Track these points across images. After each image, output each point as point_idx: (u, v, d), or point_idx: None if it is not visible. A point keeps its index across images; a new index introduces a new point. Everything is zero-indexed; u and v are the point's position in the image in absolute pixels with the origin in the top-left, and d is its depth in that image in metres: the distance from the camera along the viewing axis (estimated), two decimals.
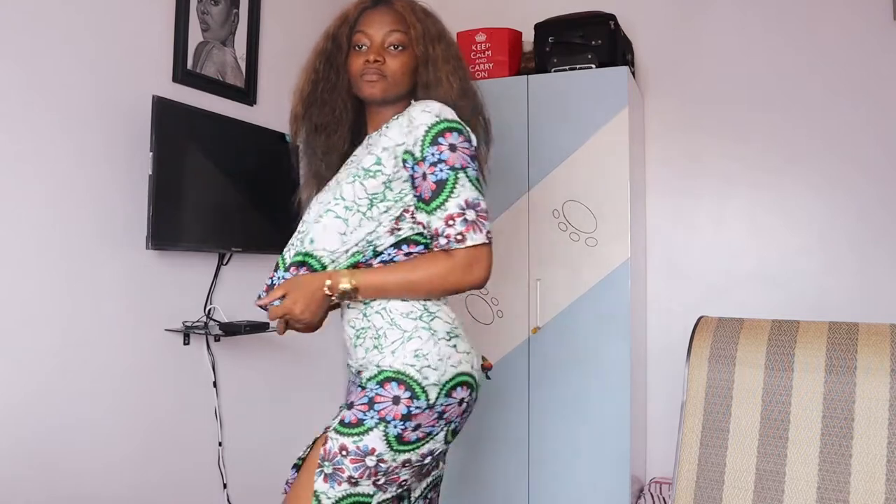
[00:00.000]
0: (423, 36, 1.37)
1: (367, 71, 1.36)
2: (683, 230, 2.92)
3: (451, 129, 1.28)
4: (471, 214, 1.26)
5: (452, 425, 1.30)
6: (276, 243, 2.47)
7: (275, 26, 2.60)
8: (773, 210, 2.80)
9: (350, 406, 1.28)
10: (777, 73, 2.80)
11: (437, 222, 1.26)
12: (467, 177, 1.27)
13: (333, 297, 1.29)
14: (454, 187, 1.26)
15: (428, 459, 1.30)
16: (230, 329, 2.17)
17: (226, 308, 2.33)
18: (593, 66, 2.66)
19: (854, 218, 2.68)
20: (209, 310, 2.27)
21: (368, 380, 1.28)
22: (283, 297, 1.29)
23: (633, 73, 2.81)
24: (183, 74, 2.18)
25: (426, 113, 1.29)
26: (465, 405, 1.30)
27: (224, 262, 2.34)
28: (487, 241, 1.27)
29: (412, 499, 1.39)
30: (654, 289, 2.94)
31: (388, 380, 1.25)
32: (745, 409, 1.52)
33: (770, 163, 2.80)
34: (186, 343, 2.21)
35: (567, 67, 2.69)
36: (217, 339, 2.26)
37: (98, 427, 1.94)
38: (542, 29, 2.78)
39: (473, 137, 1.34)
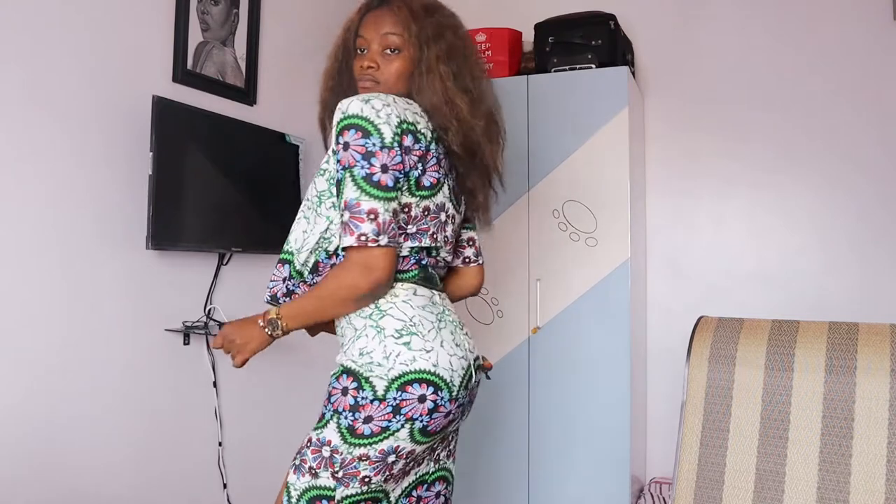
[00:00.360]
0: (418, 36, 1.33)
1: (362, 77, 1.35)
2: (683, 230, 2.92)
3: (348, 126, 1.23)
4: (345, 216, 1.22)
5: (417, 423, 1.25)
6: (275, 243, 2.47)
7: (275, 26, 2.60)
8: (773, 210, 2.80)
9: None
10: (777, 72, 2.80)
11: None
12: (352, 176, 1.21)
13: (266, 329, 1.30)
14: (342, 188, 1.23)
15: (392, 458, 1.27)
16: None
17: (226, 308, 2.33)
18: (593, 66, 2.66)
19: (854, 218, 2.68)
20: (209, 310, 2.27)
21: (331, 376, 1.33)
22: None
23: (633, 73, 2.81)
24: (183, 74, 2.18)
25: (338, 110, 1.27)
26: (431, 404, 1.25)
27: (224, 262, 2.34)
28: (356, 245, 1.20)
29: (392, 499, 1.36)
30: (654, 289, 2.95)
31: (340, 373, 1.29)
32: (745, 409, 1.52)
33: (770, 163, 2.80)
34: (186, 343, 2.21)
35: (567, 67, 2.69)
36: None
37: (98, 427, 1.94)
38: (542, 29, 2.78)
39: (383, 131, 1.23)
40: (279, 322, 1.28)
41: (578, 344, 2.62)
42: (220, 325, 2.21)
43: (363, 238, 1.21)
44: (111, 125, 1.98)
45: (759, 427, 1.50)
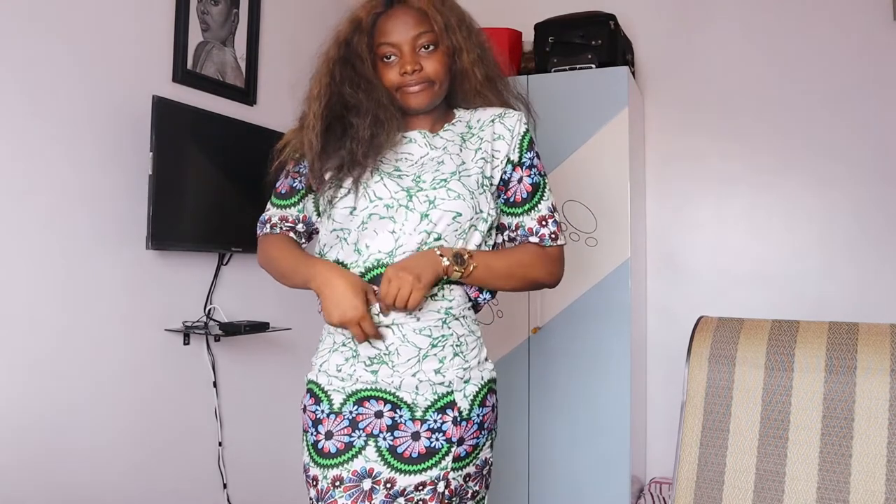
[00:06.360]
0: (446, 28, 1.28)
1: (407, 83, 1.27)
2: (683, 230, 2.92)
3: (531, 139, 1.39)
4: (553, 217, 1.36)
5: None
6: None
7: (275, 26, 2.60)
8: (773, 210, 2.80)
9: None
10: (777, 72, 2.80)
11: None
12: (546, 184, 1.39)
13: (445, 260, 1.21)
14: (543, 192, 1.39)
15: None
16: (230, 329, 2.17)
17: (226, 308, 2.33)
18: (593, 66, 2.66)
19: (854, 218, 2.68)
20: (209, 310, 2.27)
21: (482, 394, 1.39)
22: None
23: (633, 73, 2.81)
24: (183, 74, 2.18)
25: (518, 120, 1.33)
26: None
27: (224, 262, 2.34)
28: (561, 244, 1.35)
29: None
30: (654, 289, 2.94)
31: (492, 388, 1.37)
32: (745, 409, 1.52)
33: (770, 162, 2.80)
34: (186, 343, 2.21)
35: (567, 67, 2.69)
36: (217, 339, 2.26)
37: (98, 427, 1.94)
38: (542, 29, 2.78)
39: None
40: (467, 259, 1.22)
41: (578, 344, 2.61)
42: (221, 325, 2.21)
43: (562, 242, 1.35)
44: (111, 125, 1.98)
45: (759, 427, 1.50)
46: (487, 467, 1.33)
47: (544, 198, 1.34)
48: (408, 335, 1.24)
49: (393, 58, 1.27)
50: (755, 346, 1.55)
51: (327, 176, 1.29)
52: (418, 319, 1.25)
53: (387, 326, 1.25)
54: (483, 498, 1.34)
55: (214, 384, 2.30)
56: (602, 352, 2.58)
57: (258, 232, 1.42)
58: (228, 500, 2.33)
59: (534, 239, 1.32)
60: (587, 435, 2.59)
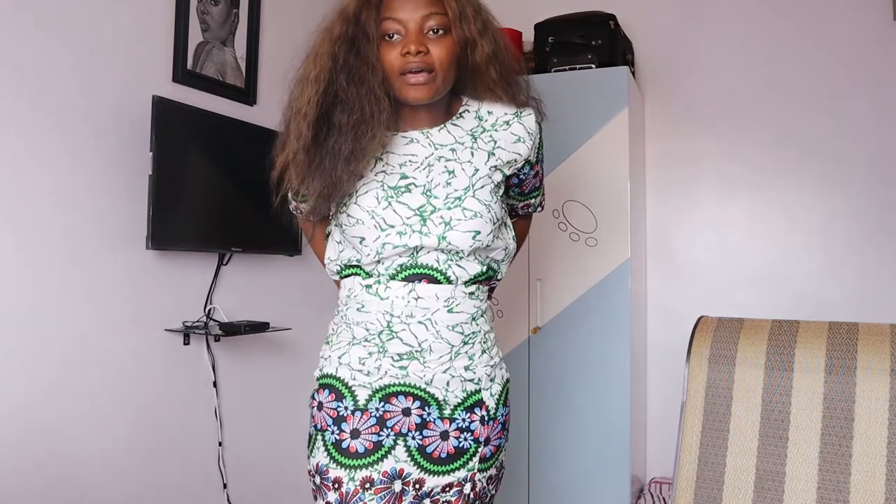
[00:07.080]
0: (460, 16, 1.18)
1: (410, 67, 1.16)
2: (683, 230, 2.92)
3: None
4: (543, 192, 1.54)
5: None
6: (276, 243, 2.48)
7: (275, 26, 2.60)
8: (774, 210, 2.80)
9: None
10: (776, 72, 2.80)
11: None
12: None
13: None
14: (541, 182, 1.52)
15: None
16: (230, 329, 2.17)
17: (226, 308, 2.33)
18: (593, 66, 2.66)
19: (854, 218, 2.68)
20: (209, 310, 2.27)
21: (504, 394, 1.38)
22: None
23: (633, 73, 2.81)
24: (183, 74, 2.18)
25: (535, 122, 1.30)
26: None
27: (224, 262, 2.34)
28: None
29: None
30: (654, 289, 2.94)
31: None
32: (745, 409, 1.52)
33: (770, 162, 2.80)
34: (186, 343, 2.21)
35: (567, 67, 2.69)
36: (217, 339, 2.25)
37: (98, 427, 1.94)
38: (542, 29, 2.78)
39: None
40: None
41: (578, 344, 2.61)
42: (221, 325, 2.21)
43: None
44: (111, 125, 1.98)
45: (759, 427, 1.50)
46: (503, 470, 1.31)
47: (543, 178, 1.43)
48: (441, 332, 1.21)
49: (396, 37, 1.17)
50: (755, 346, 1.55)
51: (312, 202, 1.22)
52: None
53: (420, 322, 1.21)
54: (493, 501, 1.33)
55: (214, 384, 2.30)
56: (602, 352, 2.58)
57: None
58: (228, 500, 2.33)
59: (534, 210, 1.46)
60: (587, 435, 2.59)
